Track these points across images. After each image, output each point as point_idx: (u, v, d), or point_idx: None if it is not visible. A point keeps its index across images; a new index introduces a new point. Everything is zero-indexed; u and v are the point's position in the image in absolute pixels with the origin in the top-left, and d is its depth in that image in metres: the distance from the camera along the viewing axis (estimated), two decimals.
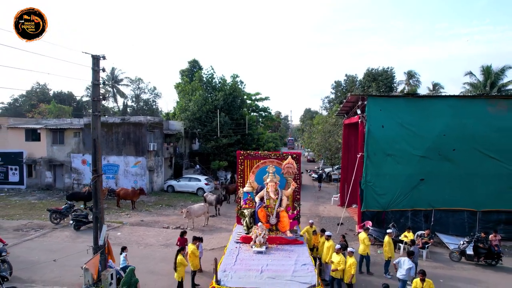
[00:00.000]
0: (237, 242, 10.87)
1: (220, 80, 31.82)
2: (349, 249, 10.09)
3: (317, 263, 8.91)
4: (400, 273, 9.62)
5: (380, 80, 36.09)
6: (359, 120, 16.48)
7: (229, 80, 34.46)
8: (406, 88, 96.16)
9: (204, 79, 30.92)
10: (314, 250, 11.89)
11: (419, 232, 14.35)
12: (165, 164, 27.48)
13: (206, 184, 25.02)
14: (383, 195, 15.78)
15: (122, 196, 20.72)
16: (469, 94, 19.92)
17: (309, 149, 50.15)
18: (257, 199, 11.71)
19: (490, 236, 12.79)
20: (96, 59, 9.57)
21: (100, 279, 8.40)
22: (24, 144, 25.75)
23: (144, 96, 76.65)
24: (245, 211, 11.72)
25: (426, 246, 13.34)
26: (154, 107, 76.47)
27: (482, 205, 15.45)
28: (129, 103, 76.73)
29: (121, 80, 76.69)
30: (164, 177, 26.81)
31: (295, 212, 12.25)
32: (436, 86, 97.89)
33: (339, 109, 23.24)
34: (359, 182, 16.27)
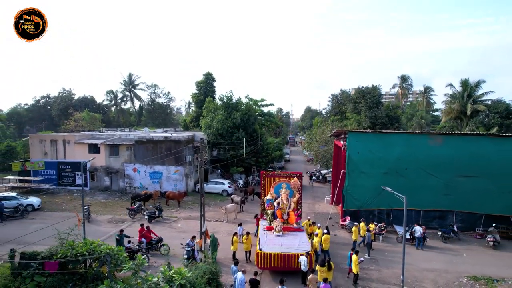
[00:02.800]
0: (264, 230, 18.37)
1: (237, 101, 38.89)
2: (324, 231, 17.59)
3: (312, 240, 16.43)
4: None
5: (368, 98, 43.26)
6: (343, 148, 23.88)
7: (241, 94, 41.54)
8: (400, 91, 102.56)
9: (225, 99, 37.99)
10: (311, 235, 19.34)
11: (379, 224, 21.81)
12: (194, 170, 34.90)
13: (229, 186, 32.54)
14: (358, 199, 23.20)
15: (170, 197, 28.22)
16: (417, 132, 26.94)
17: (309, 150, 57.40)
18: (275, 203, 19.19)
19: (416, 227, 20.22)
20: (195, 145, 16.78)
21: (201, 249, 15.88)
22: (87, 155, 33.14)
23: (159, 100, 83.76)
24: (268, 211, 19.21)
25: (382, 233, 20.82)
26: (168, 110, 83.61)
27: (424, 206, 22.87)
28: (145, 106, 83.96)
29: (137, 84, 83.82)
30: (194, 180, 34.27)
31: (298, 211, 19.74)
32: (427, 89, 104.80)
33: (333, 131, 30.35)
34: (342, 189, 23.72)
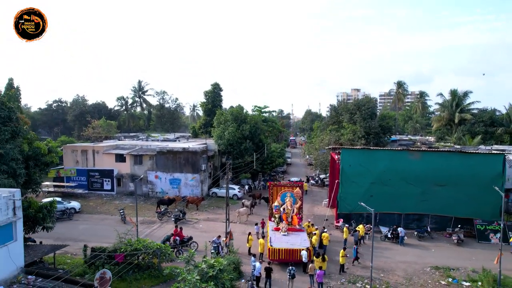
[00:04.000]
0: (273, 231, 22.97)
1: (245, 114, 43.44)
2: (325, 230, 22.21)
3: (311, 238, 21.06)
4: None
5: (363, 110, 47.75)
6: (337, 161, 28.48)
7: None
8: (396, 96, 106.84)
9: (236, 113, 42.54)
10: (310, 234, 23.91)
11: (367, 225, 26.41)
12: (208, 176, 39.51)
13: (239, 191, 37.15)
14: (349, 204, 27.75)
15: (190, 201, 32.84)
16: (398, 149, 31.35)
17: (310, 154, 61.89)
18: (281, 209, 23.81)
19: (399, 228, 24.85)
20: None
21: (226, 245, 20.53)
22: (114, 164, 37.81)
23: (167, 105, 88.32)
24: (276, 215, 23.84)
25: (368, 233, 25.43)
26: (176, 116, 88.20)
27: (405, 210, 27.46)
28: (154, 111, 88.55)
29: (146, 91, 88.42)
30: (207, 186, 38.89)
31: (300, 215, 24.36)
32: (422, 94, 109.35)
33: (330, 146, 34.86)
34: (336, 196, 28.33)
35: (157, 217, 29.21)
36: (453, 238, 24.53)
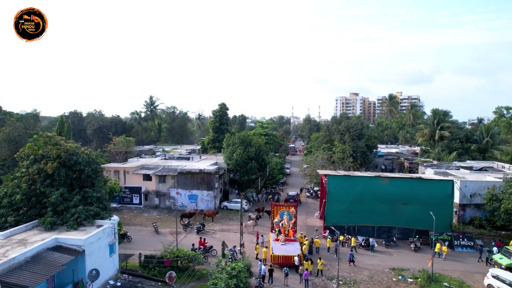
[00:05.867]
0: (274, 241, 30.60)
1: (251, 137, 51.11)
2: (316, 237, 29.86)
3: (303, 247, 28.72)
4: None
5: (351, 131, 55.38)
6: (324, 185, 36.08)
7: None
8: (388, 108, 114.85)
9: (242, 137, 50.16)
10: (302, 244, 31.44)
11: (346, 236, 33.97)
12: (219, 192, 47.13)
13: (245, 205, 44.75)
14: (334, 218, 35.31)
15: (207, 215, 40.44)
16: (372, 176, 38.58)
17: (307, 164, 69.27)
18: (280, 224, 31.44)
19: (370, 239, 32.41)
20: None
21: (241, 253, 28.18)
22: (142, 182, 45.48)
23: (176, 118, 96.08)
24: (276, 229, 31.48)
25: (347, 242, 32.98)
26: (184, 128, 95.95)
27: (377, 223, 35.01)
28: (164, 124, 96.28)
29: (157, 105, 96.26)
30: (219, 200, 46.48)
31: (294, 229, 31.99)
32: (414, 106, 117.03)
33: (321, 172, 42.42)
34: (323, 212, 35.93)
35: (182, 228, 36.81)
36: (411, 245, 32.10)
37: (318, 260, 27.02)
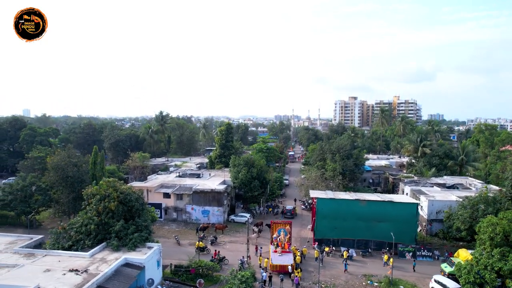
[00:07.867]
0: (273, 252, 38.98)
1: (253, 159, 59.53)
2: (304, 247, 38.27)
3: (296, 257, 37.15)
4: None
5: (341, 152, 63.62)
6: (315, 206, 44.45)
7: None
8: (380, 120, 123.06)
9: (247, 159, 58.52)
10: (295, 255, 39.73)
11: (331, 247, 42.26)
12: (227, 208, 55.50)
13: (249, 218, 53.13)
14: (322, 232, 43.60)
15: (217, 228, 48.82)
16: (353, 199, 46.81)
17: (304, 175, 77.39)
18: (278, 239, 39.83)
19: (350, 250, 40.72)
20: None
21: (247, 263, 36.61)
22: (162, 199, 53.93)
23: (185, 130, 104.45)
24: (274, 242, 39.88)
25: (331, 252, 41.28)
26: (192, 141, 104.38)
27: (357, 236, 43.30)
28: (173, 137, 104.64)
29: (168, 119, 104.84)
30: (227, 214, 54.83)
31: (289, 242, 40.36)
32: (404, 118, 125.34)
33: (311, 198, 50.74)
34: (314, 227, 44.28)
35: (198, 240, 45.17)
36: (382, 256, 40.42)
37: (298, 270, 35.22)
